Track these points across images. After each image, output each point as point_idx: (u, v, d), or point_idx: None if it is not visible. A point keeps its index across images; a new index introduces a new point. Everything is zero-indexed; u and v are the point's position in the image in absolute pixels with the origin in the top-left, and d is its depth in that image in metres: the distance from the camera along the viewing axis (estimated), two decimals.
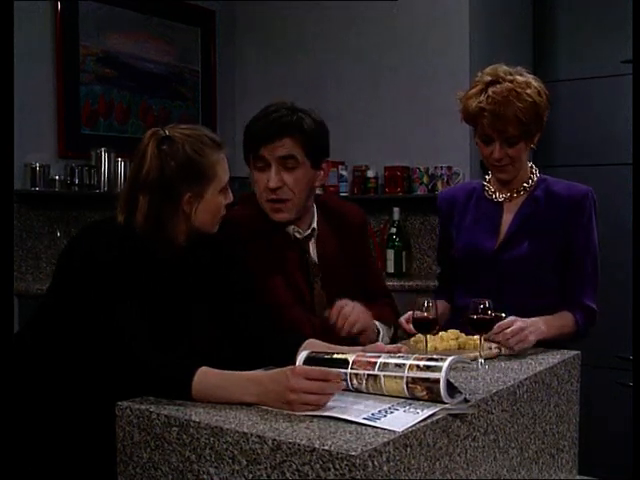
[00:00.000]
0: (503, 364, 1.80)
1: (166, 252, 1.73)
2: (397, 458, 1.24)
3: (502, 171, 2.15)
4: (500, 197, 2.20)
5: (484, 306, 1.76)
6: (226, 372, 1.48)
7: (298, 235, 2.06)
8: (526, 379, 1.68)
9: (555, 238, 2.12)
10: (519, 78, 2.07)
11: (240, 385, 1.45)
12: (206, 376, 1.47)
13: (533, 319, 1.95)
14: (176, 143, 1.70)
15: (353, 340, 1.93)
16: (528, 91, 2.04)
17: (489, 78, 2.08)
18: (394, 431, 1.26)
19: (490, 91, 2.05)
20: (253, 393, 1.43)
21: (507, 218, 2.17)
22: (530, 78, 2.09)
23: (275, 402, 1.41)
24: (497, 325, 1.84)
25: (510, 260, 2.12)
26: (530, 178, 2.19)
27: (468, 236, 2.20)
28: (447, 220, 2.29)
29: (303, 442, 1.22)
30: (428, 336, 1.82)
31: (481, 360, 1.76)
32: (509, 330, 1.87)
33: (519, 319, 1.91)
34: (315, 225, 2.11)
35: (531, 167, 2.21)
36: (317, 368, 1.43)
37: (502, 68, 2.10)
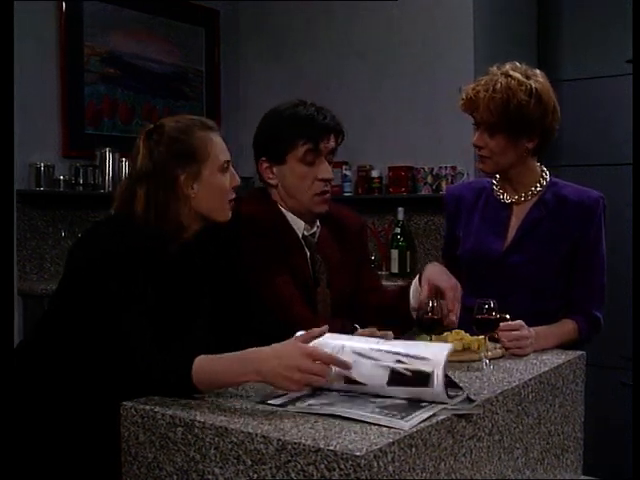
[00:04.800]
0: (508, 364, 1.80)
1: (176, 242, 1.71)
2: (402, 458, 1.24)
3: (481, 161, 2.13)
4: (508, 198, 2.17)
5: (489, 306, 1.76)
6: (223, 355, 1.47)
7: (306, 232, 2.07)
8: (531, 379, 1.68)
9: (563, 243, 2.10)
10: (517, 75, 2.02)
11: (239, 365, 1.44)
12: (204, 364, 1.46)
13: (538, 329, 1.95)
14: (163, 130, 1.69)
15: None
16: (516, 88, 1.99)
17: (496, 70, 2.08)
18: (401, 429, 1.26)
19: (483, 78, 2.06)
20: (253, 371, 1.42)
21: (516, 221, 2.15)
22: (532, 81, 2.02)
23: (277, 378, 1.40)
24: (503, 324, 1.84)
25: (517, 264, 2.10)
26: (539, 182, 2.15)
27: (475, 237, 2.18)
28: (454, 218, 2.28)
29: (308, 442, 1.22)
30: (433, 336, 1.82)
31: (486, 360, 1.76)
32: (514, 334, 1.88)
33: (526, 327, 1.90)
34: (319, 223, 2.12)
35: (541, 171, 2.17)
36: (327, 353, 1.44)
37: (513, 64, 2.07)
